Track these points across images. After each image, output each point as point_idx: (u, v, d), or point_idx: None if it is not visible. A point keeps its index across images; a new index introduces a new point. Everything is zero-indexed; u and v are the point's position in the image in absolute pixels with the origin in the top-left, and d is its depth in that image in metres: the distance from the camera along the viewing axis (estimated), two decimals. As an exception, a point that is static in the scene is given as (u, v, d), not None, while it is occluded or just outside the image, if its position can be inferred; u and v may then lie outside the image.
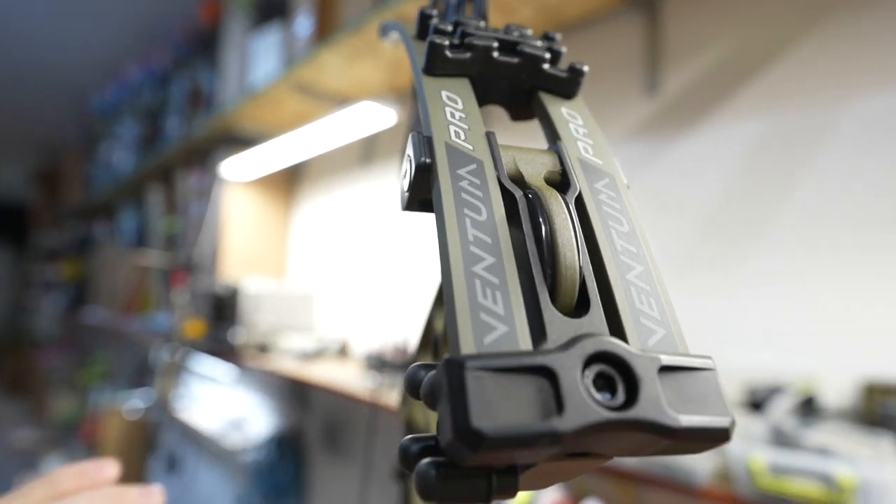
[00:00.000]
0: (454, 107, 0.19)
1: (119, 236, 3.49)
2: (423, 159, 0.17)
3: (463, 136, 0.18)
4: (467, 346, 0.13)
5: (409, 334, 1.71)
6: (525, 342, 0.13)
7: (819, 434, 0.70)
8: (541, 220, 0.16)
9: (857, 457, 0.64)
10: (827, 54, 0.95)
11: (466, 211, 0.16)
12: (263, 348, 1.80)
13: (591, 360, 0.13)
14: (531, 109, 0.22)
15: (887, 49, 0.88)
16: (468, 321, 0.13)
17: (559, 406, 0.12)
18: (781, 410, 0.75)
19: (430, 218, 0.17)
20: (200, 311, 2.22)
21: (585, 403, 0.12)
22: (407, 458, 0.15)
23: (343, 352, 1.80)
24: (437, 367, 0.14)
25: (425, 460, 0.14)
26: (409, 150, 0.18)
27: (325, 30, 1.66)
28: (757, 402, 0.83)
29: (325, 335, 1.85)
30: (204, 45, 2.49)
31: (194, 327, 2.22)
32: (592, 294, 0.15)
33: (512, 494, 0.14)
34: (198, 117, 2.39)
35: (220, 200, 2.26)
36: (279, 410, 2.30)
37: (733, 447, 0.70)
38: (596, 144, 0.20)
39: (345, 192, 2.19)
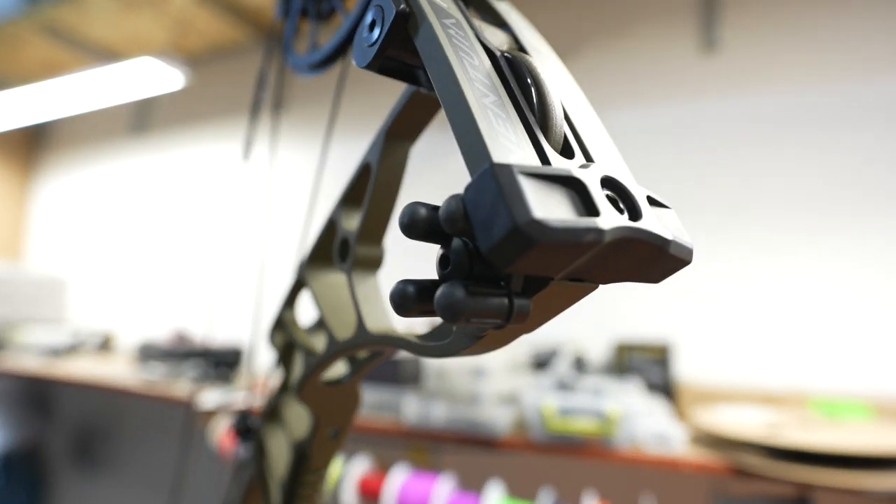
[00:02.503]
0: None
1: None
2: (402, 6, 0.17)
3: None
4: (499, 157, 0.13)
5: (191, 322, 1.55)
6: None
7: (589, 381, 0.85)
8: (527, 78, 0.17)
9: (617, 395, 0.79)
10: (596, 72, 1.14)
11: (462, 55, 0.16)
12: (-9, 346, 1.45)
13: (601, 184, 0.14)
14: (471, 7, 0.23)
15: (638, 75, 1.11)
16: (494, 138, 0.14)
17: (595, 211, 0.13)
18: (561, 366, 0.88)
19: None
20: None
21: (614, 212, 0.13)
22: (405, 299, 0.14)
23: (106, 345, 1.55)
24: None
25: (445, 283, 0.14)
26: (379, 1, 0.18)
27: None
28: (541, 362, 0.97)
29: (82, 327, 1.57)
30: None
31: None
32: (575, 143, 0.16)
33: (523, 320, 0.14)
34: None
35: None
36: (8, 423, 1.87)
37: (528, 397, 0.80)
38: (535, 36, 0.21)
39: (111, 164, 1.88)
